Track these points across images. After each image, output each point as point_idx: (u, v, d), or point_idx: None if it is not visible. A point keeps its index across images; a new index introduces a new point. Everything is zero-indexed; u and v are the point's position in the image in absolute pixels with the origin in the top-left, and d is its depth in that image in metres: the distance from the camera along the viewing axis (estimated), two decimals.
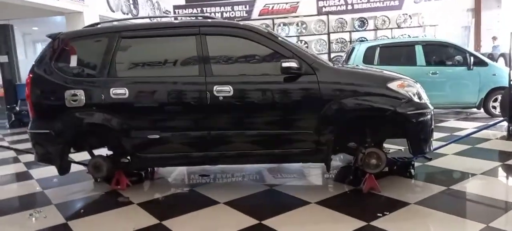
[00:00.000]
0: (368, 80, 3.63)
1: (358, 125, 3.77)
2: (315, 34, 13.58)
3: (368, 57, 7.72)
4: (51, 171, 4.42)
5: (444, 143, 5.15)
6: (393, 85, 3.57)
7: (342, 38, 13.54)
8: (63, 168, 3.97)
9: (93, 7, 10.47)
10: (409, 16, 13.33)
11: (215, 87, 3.65)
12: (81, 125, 3.84)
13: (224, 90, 3.64)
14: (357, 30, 13.50)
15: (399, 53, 7.93)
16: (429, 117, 3.61)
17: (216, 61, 3.77)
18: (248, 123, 3.70)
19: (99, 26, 4.13)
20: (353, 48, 8.10)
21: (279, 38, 3.72)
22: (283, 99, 3.63)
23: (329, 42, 13.44)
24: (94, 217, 3.58)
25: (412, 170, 4.28)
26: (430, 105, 3.71)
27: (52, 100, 3.89)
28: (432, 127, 3.70)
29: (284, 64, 3.46)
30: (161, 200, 3.92)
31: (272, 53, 3.69)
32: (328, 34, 13.45)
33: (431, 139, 3.73)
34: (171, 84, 3.78)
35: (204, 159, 3.87)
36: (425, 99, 3.72)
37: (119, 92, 3.76)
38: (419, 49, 7.75)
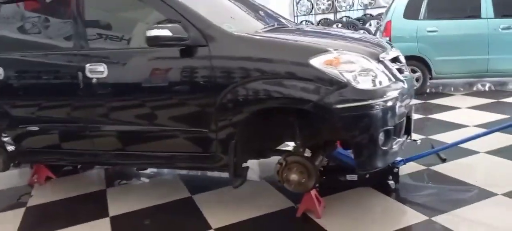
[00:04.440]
0: (282, 54, 2.34)
1: (286, 120, 2.54)
2: None
3: (411, 10, 5.95)
4: None
5: (483, 131, 3.43)
6: (318, 61, 2.23)
7: None
8: None
9: None
10: None
11: (87, 66, 2.72)
12: None
13: (97, 70, 2.70)
14: None
15: (456, 3, 5.95)
16: (377, 112, 2.21)
17: (94, 29, 2.82)
18: (127, 114, 2.73)
19: None
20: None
21: None
22: (167, 84, 2.56)
23: None
24: None
25: (392, 181, 2.89)
26: (390, 93, 2.29)
27: None
28: (388, 127, 2.28)
29: (150, 33, 2.36)
30: (51, 205, 3.20)
31: (159, 17, 2.60)
32: None
33: (388, 147, 2.32)
34: (45, 62, 2.96)
35: (88, 159, 3.02)
36: (385, 82, 2.31)
37: None
38: None
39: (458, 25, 5.78)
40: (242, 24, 2.83)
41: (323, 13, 12.23)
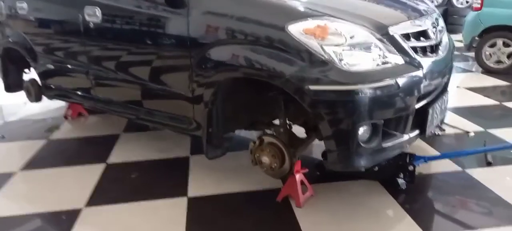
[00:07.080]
0: (261, 15, 1.95)
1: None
2: None
3: None
4: None
5: None
6: (296, 28, 1.82)
7: None
8: (8, 86, 3.77)
9: None
10: None
11: (85, 9, 2.65)
12: (3, 42, 3.49)
13: (93, 14, 2.61)
14: None
15: None
16: (360, 100, 1.74)
17: None
18: (119, 64, 2.62)
19: None
20: None
21: None
22: (152, 38, 2.37)
23: None
24: None
25: (403, 181, 2.40)
26: (388, 78, 1.80)
27: None
28: (375, 121, 1.81)
29: None
30: (68, 142, 3.37)
31: None
32: None
33: (375, 145, 1.86)
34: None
35: (92, 103, 3.02)
36: (388, 63, 1.83)
37: (21, 6, 3.18)
38: None
39: None
40: None
41: None
